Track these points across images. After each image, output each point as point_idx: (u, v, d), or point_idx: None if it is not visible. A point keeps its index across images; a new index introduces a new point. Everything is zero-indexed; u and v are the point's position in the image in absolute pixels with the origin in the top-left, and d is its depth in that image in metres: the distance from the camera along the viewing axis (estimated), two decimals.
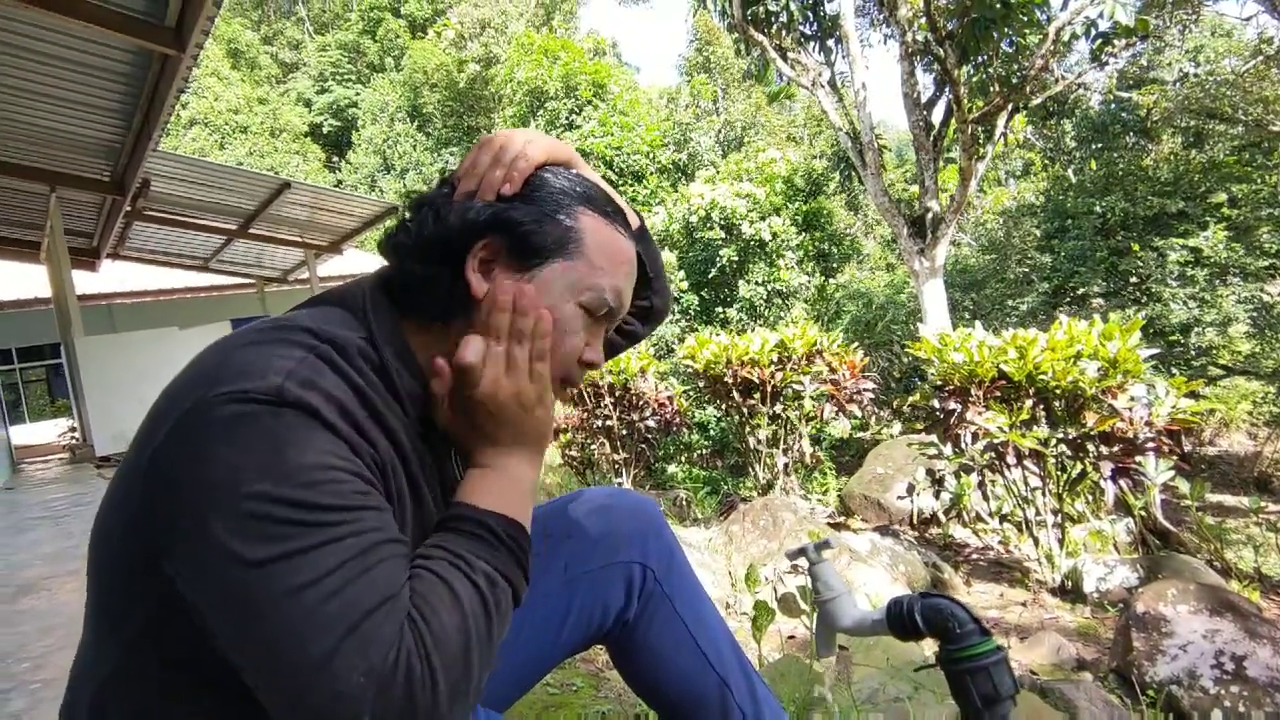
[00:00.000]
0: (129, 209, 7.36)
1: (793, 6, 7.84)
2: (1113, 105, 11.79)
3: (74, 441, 8.00)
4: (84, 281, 9.52)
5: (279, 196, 8.00)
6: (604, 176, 14.42)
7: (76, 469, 6.63)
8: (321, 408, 0.64)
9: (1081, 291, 10.92)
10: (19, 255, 9.29)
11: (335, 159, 25.69)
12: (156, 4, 4.07)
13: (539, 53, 16.19)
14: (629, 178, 14.64)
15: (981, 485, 4.33)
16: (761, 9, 7.74)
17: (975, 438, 3.74)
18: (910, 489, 5.26)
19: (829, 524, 4.88)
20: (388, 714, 0.57)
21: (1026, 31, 6.73)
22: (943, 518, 5.07)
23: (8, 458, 7.16)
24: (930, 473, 5.27)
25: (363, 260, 13.54)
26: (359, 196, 10.10)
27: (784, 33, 8.05)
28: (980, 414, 3.63)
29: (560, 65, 15.51)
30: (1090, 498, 4.10)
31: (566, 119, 15.33)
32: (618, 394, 5.72)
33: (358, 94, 26.67)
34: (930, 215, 7.69)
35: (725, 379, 5.41)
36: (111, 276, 11.22)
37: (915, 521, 5.10)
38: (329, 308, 0.79)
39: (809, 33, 8.35)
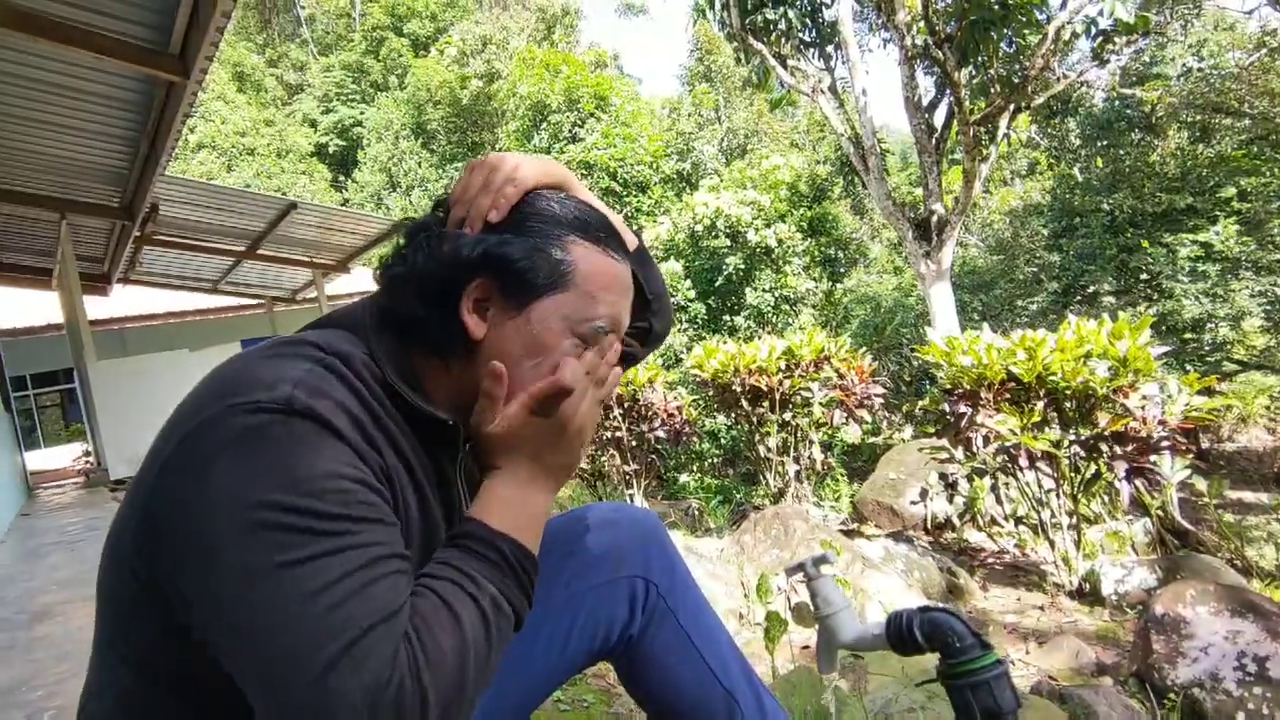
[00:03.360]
0: (138, 234, 7.44)
1: (790, 14, 7.85)
2: (1116, 102, 11.74)
3: (88, 466, 8.06)
4: (96, 306, 9.63)
5: (286, 217, 8.06)
6: (608, 188, 14.54)
7: (91, 493, 6.68)
8: (331, 416, 0.65)
9: (1092, 290, 10.84)
10: (32, 283, 9.40)
11: (341, 178, 25.91)
12: (161, 32, 4.12)
13: (540, 67, 16.31)
14: (633, 189, 14.69)
15: (995, 489, 4.29)
16: (760, 18, 7.77)
17: (987, 441, 3.71)
18: (923, 494, 5.21)
19: (842, 531, 4.84)
20: None
21: (1026, 31, 6.71)
22: (957, 522, 5.02)
23: (23, 484, 7.22)
24: (943, 477, 5.23)
25: (370, 278, 13.59)
26: (365, 215, 10.18)
27: (783, 41, 8.07)
28: (991, 417, 3.60)
29: (562, 79, 15.61)
30: (1106, 498, 4.05)
31: (570, 132, 15.41)
32: (626, 405, 5.71)
33: (362, 113, 26.92)
34: (935, 218, 7.67)
35: (734, 387, 5.40)
36: (123, 301, 11.33)
37: (929, 527, 5.06)
38: (334, 328, 0.81)
39: (808, 40, 8.37)
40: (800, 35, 8.17)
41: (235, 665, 0.61)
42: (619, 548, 1.02)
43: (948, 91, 7.31)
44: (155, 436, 0.70)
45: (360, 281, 13.19)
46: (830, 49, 8.50)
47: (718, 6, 8.25)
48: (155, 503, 0.65)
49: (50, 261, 8.61)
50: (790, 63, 8.22)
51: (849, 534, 4.90)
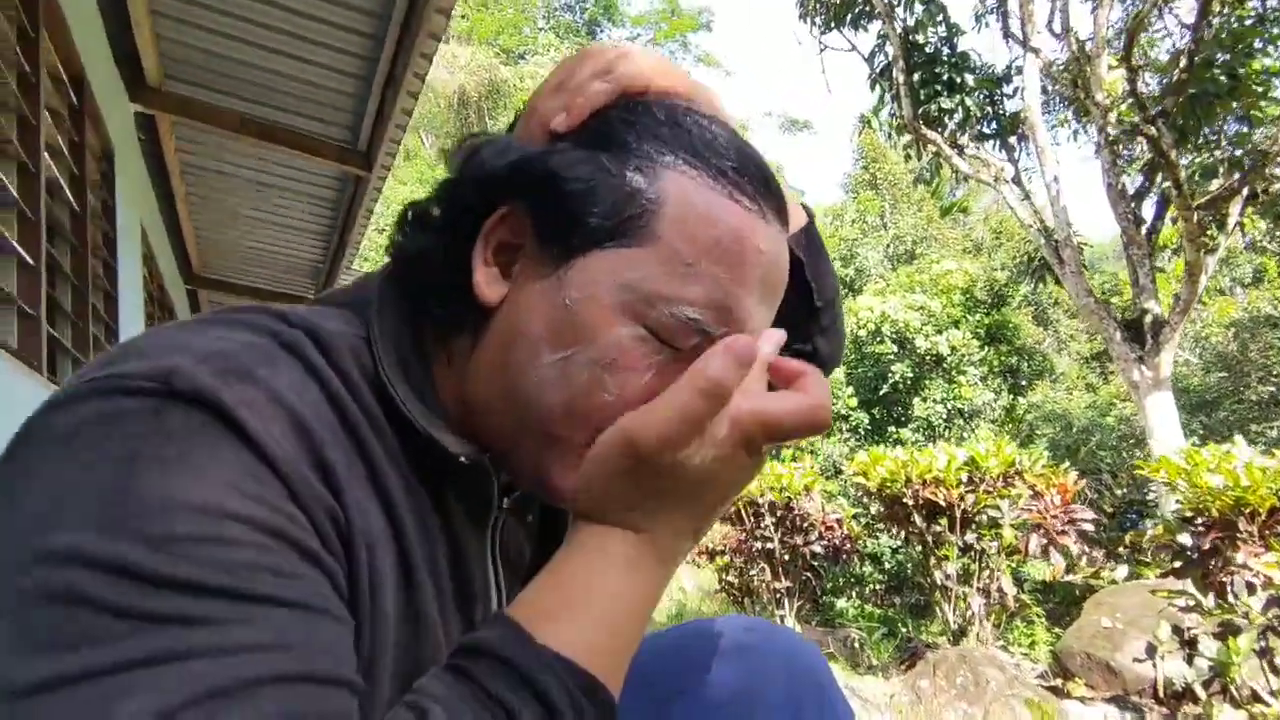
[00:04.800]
0: None
1: (969, 102, 7.44)
2: None
3: None
4: None
5: None
6: None
7: None
8: (243, 410, 0.37)
9: None
10: None
11: None
12: (353, 131, 4.48)
13: None
14: None
15: (1264, 652, 3.32)
16: (934, 107, 7.41)
17: (1251, 588, 2.87)
18: (1151, 650, 4.21)
19: (1044, 687, 3.98)
20: None
21: (1262, 105, 5.84)
22: (1201, 692, 3.97)
23: None
24: (1178, 630, 4.22)
25: None
26: None
27: (960, 131, 7.63)
28: (1258, 556, 2.79)
29: None
30: None
31: None
32: (779, 513, 5.21)
33: None
34: (1150, 318, 6.68)
35: (904, 500, 4.75)
36: None
37: (1164, 693, 4.05)
38: (332, 305, 0.53)
39: (987, 131, 7.88)
40: (979, 126, 7.70)
41: None
42: (755, 692, 0.64)
43: (1160, 176, 6.50)
44: None
45: None
46: (1012, 140, 7.94)
47: (887, 103, 8.04)
48: None
49: None
50: (968, 152, 7.74)
51: (1053, 691, 4.02)
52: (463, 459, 0.48)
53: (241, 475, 0.37)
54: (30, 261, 2.04)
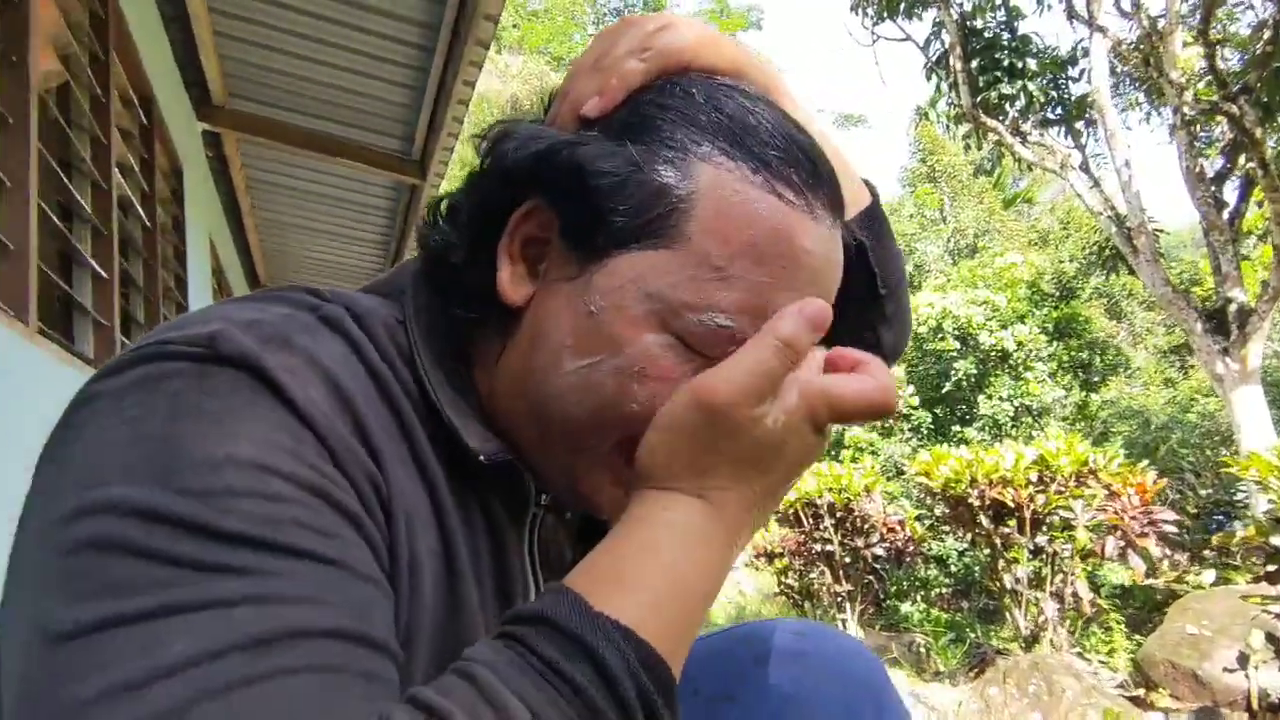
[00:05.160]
0: None
1: (1031, 88, 7.14)
2: None
3: None
4: None
5: None
6: None
7: None
8: (284, 373, 0.37)
9: None
10: None
11: None
12: (407, 142, 4.58)
13: None
14: None
15: None
16: (994, 94, 7.13)
17: None
18: (1243, 659, 3.97)
19: (1124, 697, 3.79)
20: None
21: None
22: None
23: None
24: (1272, 638, 3.98)
25: None
26: None
27: (1022, 118, 7.34)
28: None
29: None
30: None
31: None
32: (839, 515, 5.10)
33: None
34: (1234, 307, 6.29)
35: (969, 500, 4.59)
36: None
37: (1258, 705, 3.82)
38: (369, 294, 0.53)
39: (1052, 117, 7.55)
40: (1043, 112, 7.38)
41: None
42: (808, 700, 0.60)
43: (1243, 158, 6.11)
44: None
45: None
46: (1080, 125, 7.59)
47: (944, 93, 7.79)
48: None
49: None
50: (1031, 139, 7.42)
51: (1134, 701, 3.83)
52: (482, 458, 0.46)
53: (283, 434, 0.37)
54: (104, 275, 2.14)
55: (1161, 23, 6.63)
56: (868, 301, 0.61)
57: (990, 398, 10.91)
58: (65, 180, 1.94)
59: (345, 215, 5.65)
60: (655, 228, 0.44)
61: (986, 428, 10.88)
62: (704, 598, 0.40)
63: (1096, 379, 12.12)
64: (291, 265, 6.62)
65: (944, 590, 8.75)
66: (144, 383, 0.37)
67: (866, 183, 0.63)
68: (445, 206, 0.53)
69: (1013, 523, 4.50)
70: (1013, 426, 10.85)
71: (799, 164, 0.46)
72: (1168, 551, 7.33)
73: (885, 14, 8.10)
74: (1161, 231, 7.29)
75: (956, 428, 11.25)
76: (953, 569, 8.68)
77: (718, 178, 0.44)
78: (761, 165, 0.45)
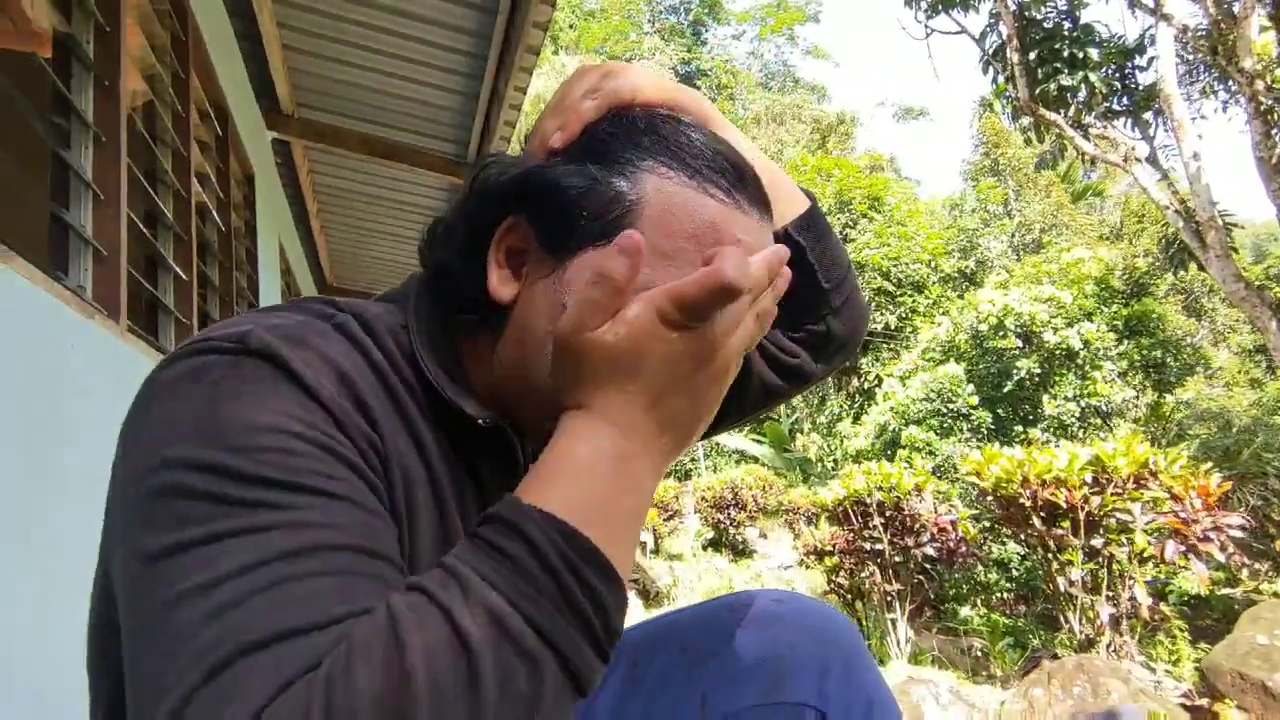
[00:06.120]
0: None
1: (1093, 78, 6.88)
2: None
3: None
4: None
5: None
6: (879, 288, 13.84)
7: None
8: (300, 364, 0.49)
9: None
10: None
11: None
12: (461, 146, 4.74)
13: (812, 172, 16.48)
14: (908, 288, 13.90)
15: None
16: (1053, 86, 6.90)
17: None
18: None
19: (1184, 706, 3.66)
20: None
21: None
22: None
23: None
24: None
25: None
26: None
27: (1085, 110, 7.07)
28: None
29: (834, 181, 15.57)
30: None
31: (841, 233, 15.19)
32: (888, 514, 5.06)
33: None
34: None
35: (1021, 501, 4.50)
36: None
37: None
38: (378, 303, 0.64)
39: (1117, 108, 7.25)
40: (1107, 103, 7.11)
41: None
42: (783, 657, 0.68)
43: None
44: None
45: None
46: (1148, 116, 7.27)
47: (1004, 86, 7.56)
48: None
49: None
50: (1093, 132, 7.15)
51: (1194, 711, 3.68)
52: (481, 421, 0.57)
53: (299, 408, 0.48)
54: (184, 277, 2.33)
55: (1236, 7, 6.31)
56: (815, 296, 0.72)
57: (1055, 398, 10.54)
58: (150, 190, 2.13)
59: (403, 217, 5.86)
60: (613, 228, 0.53)
61: (1052, 428, 10.53)
62: (617, 484, 0.48)
63: (1171, 379, 11.59)
64: (355, 265, 6.91)
65: (1005, 595, 8.53)
66: (192, 371, 0.49)
67: (806, 191, 0.74)
68: (440, 229, 0.64)
69: (1066, 524, 4.39)
70: (1080, 427, 10.47)
71: (725, 171, 0.56)
72: (1247, 560, 6.98)
73: (939, 6, 7.93)
74: (1236, 226, 6.94)
75: (1019, 428, 10.91)
76: (1014, 573, 8.45)
77: (660, 184, 0.55)
78: (695, 173, 0.55)
